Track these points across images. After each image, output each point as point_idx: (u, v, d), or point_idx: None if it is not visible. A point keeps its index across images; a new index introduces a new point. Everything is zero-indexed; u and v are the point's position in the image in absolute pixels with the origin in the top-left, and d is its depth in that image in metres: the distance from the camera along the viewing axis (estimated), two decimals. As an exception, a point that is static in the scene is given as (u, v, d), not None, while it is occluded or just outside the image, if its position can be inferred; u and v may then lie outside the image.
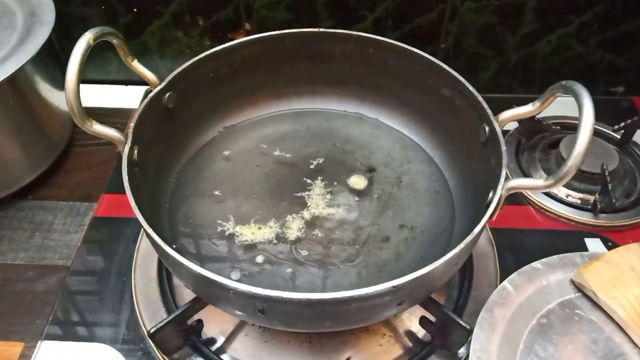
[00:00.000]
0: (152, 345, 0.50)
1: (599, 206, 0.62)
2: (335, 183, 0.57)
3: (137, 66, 0.50)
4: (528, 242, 0.61)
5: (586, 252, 0.55)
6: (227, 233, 0.52)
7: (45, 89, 0.65)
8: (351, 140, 0.62)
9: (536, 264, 0.53)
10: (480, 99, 0.50)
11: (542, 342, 0.48)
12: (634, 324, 0.47)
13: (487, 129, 0.48)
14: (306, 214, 0.54)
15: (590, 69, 0.77)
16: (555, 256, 0.54)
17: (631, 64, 0.76)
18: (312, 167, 0.59)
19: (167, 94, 0.53)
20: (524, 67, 0.77)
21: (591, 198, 0.64)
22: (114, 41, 0.46)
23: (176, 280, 0.56)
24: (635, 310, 0.48)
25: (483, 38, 0.73)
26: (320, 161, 0.59)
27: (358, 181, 0.57)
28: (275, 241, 0.52)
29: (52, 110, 0.67)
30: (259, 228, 0.52)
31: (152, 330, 0.46)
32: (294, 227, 0.53)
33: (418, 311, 0.50)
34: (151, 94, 0.51)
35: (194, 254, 0.51)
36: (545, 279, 0.52)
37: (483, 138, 0.49)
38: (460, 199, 0.55)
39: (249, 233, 0.52)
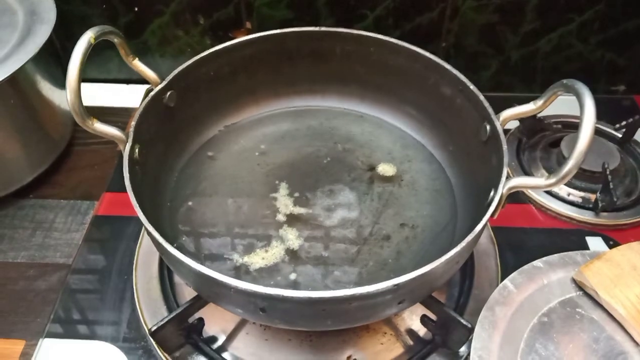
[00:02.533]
0: (154, 343, 0.50)
1: (600, 205, 0.62)
2: (336, 182, 0.57)
3: (138, 65, 0.50)
4: (529, 240, 0.61)
5: (587, 251, 0.55)
6: (237, 264, 0.50)
7: (46, 88, 0.65)
8: (352, 138, 0.62)
9: (537, 263, 0.53)
10: (481, 97, 0.50)
11: (543, 340, 0.48)
12: (635, 322, 0.47)
13: (488, 127, 0.48)
14: (307, 213, 0.54)
15: (591, 67, 0.77)
16: (556, 255, 0.54)
17: (632, 62, 0.76)
18: (312, 166, 0.59)
19: (168, 93, 0.53)
20: (525, 65, 0.77)
21: (592, 197, 0.64)
22: (115, 40, 0.46)
23: (177, 279, 0.56)
24: (636, 309, 0.48)
25: (484, 37, 0.73)
26: (321, 160, 0.59)
27: (388, 169, 0.57)
28: (286, 257, 0.51)
29: (53, 109, 0.67)
30: (266, 251, 0.51)
31: (153, 329, 0.46)
32: (292, 236, 0.52)
33: (419, 310, 0.50)
34: (152, 93, 0.51)
35: (195, 253, 0.51)
36: (546, 278, 0.52)
37: (484, 137, 0.49)
38: (461, 197, 0.55)
39: (259, 259, 0.50)
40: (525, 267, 0.53)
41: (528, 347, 0.47)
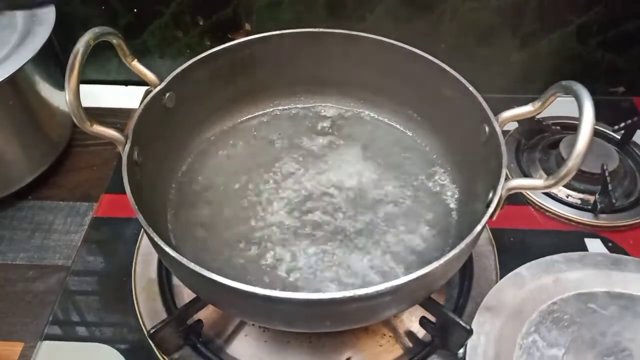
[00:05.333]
0: (152, 345, 0.50)
1: (599, 206, 0.62)
2: (335, 182, 0.57)
3: (137, 66, 0.50)
4: (528, 242, 0.61)
5: (586, 252, 0.55)
6: (238, 264, 0.50)
7: (45, 89, 0.65)
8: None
9: (534, 263, 0.53)
10: (480, 99, 0.50)
11: (540, 341, 0.48)
12: None
13: (487, 129, 0.48)
14: (306, 217, 0.54)
15: (590, 69, 0.77)
16: (555, 255, 0.54)
17: (631, 64, 0.76)
18: (312, 166, 0.59)
19: (167, 94, 0.53)
20: (524, 67, 0.77)
21: (591, 198, 0.64)
22: (114, 41, 0.46)
23: (176, 281, 0.56)
24: None
25: (483, 38, 0.73)
26: (321, 162, 0.59)
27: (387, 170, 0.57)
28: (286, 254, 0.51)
29: (52, 110, 0.67)
30: (265, 249, 0.51)
31: (152, 331, 0.46)
32: (291, 236, 0.52)
33: (418, 311, 0.50)
34: (151, 94, 0.51)
35: (193, 254, 0.51)
36: (543, 278, 0.52)
37: (483, 138, 0.49)
38: (460, 199, 0.55)
39: (259, 258, 0.50)
40: (525, 265, 0.53)
41: (525, 346, 0.47)
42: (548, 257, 0.53)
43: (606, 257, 0.54)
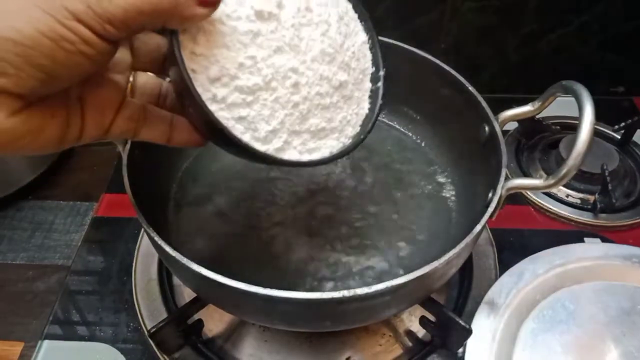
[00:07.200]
0: (153, 344, 0.50)
1: (599, 206, 0.62)
2: (335, 182, 0.57)
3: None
4: (528, 242, 0.61)
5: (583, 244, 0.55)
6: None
7: (46, 89, 0.65)
8: (351, 140, 0.62)
9: (533, 257, 0.53)
10: (480, 98, 0.50)
11: (540, 337, 0.48)
12: None
13: (487, 128, 0.48)
14: (307, 216, 0.54)
15: (590, 69, 0.77)
16: (548, 250, 0.54)
17: (631, 64, 0.76)
18: (313, 169, 0.59)
19: (168, 94, 0.52)
20: (524, 67, 0.77)
21: (591, 198, 0.64)
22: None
23: (176, 280, 0.56)
24: None
25: (483, 38, 0.73)
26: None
27: (387, 171, 0.58)
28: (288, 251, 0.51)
29: (52, 110, 0.67)
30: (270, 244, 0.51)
31: (152, 330, 0.46)
32: (294, 233, 0.52)
33: (418, 311, 0.50)
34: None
35: (194, 253, 0.51)
36: (543, 273, 0.52)
37: (483, 138, 0.49)
38: (460, 199, 0.55)
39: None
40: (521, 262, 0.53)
41: (528, 333, 0.47)
42: (547, 251, 0.53)
43: (608, 249, 0.54)
